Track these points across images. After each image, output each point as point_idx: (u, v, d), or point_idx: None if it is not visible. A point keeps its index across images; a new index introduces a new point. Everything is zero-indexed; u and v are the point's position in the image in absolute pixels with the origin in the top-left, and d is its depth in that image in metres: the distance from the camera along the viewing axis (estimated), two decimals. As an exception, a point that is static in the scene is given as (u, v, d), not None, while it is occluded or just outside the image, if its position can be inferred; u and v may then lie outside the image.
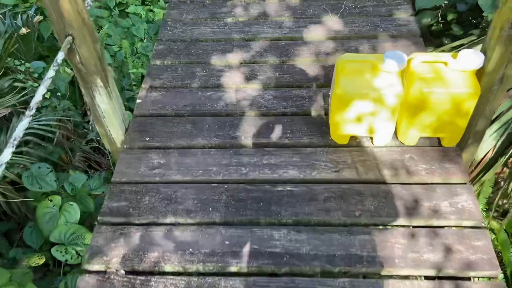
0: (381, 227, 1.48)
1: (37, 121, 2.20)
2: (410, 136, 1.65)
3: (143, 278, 1.40)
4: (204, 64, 2.14)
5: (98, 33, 3.12)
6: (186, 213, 1.54)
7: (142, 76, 3.11)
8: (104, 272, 1.42)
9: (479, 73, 1.46)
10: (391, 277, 1.37)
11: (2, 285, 1.59)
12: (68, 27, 1.40)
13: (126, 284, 1.38)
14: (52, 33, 2.61)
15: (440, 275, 1.37)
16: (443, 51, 2.67)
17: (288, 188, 1.59)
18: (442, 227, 1.47)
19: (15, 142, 1.21)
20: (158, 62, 2.17)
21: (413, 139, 1.66)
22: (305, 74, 2.04)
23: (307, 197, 1.56)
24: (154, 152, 1.75)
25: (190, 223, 1.52)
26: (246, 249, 1.43)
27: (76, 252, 1.87)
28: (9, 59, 2.41)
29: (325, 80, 2.00)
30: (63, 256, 1.80)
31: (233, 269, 1.41)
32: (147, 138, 1.80)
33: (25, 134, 2.04)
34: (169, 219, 1.53)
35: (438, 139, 1.68)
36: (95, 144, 2.52)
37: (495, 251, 1.51)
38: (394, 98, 1.49)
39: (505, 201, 2.01)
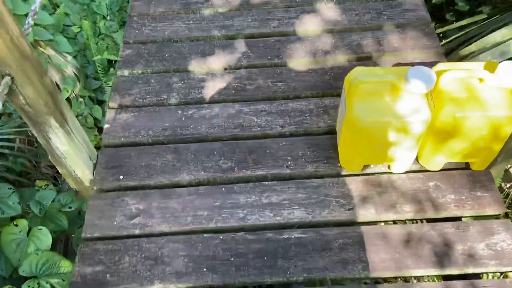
0: (412, 281, 1.26)
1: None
2: (435, 162, 1.39)
3: None
4: (181, 72, 1.80)
5: (54, 13, 2.70)
6: (176, 277, 1.27)
7: (109, 62, 2.74)
8: None
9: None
10: None
11: None
12: (3, 66, 1.05)
13: None
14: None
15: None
16: (447, 31, 2.39)
17: (296, 235, 1.33)
18: (480, 275, 1.26)
19: None
20: (126, 72, 1.81)
21: (438, 164, 1.41)
22: (302, 81, 1.73)
23: (319, 246, 1.31)
24: (130, 195, 1.45)
25: (182, 289, 1.27)
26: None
27: (51, 285, 1.61)
28: None
29: (326, 88, 1.70)
30: (36, 291, 1.54)
31: None
32: (121, 177, 1.49)
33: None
34: (156, 287, 1.27)
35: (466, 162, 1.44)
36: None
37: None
38: (421, 126, 1.22)
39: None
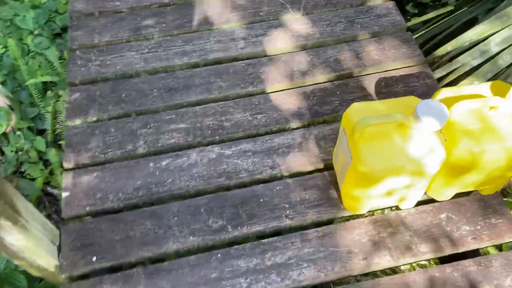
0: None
1: None
2: (445, 194, 1.29)
3: None
4: (145, 114, 1.56)
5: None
6: None
7: (44, 84, 2.40)
8: None
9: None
10: None
11: None
12: None
13: None
14: None
15: None
16: (412, 30, 2.31)
17: (311, 300, 1.19)
18: (511, 315, 1.18)
19: None
20: (77, 121, 1.54)
21: (449, 196, 1.31)
22: (283, 110, 1.56)
23: (339, 309, 1.17)
24: (109, 280, 1.22)
25: None
26: None
27: None
28: None
29: (311, 115, 1.54)
30: None
31: None
32: (94, 258, 1.25)
33: None
34: None
35: (475, 186, 1.35)
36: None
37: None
38: (437, 166, 1.09)
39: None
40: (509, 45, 1.74)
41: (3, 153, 2.08)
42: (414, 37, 2.16)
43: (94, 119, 1.54)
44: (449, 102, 1.12)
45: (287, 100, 1.58)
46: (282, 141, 1.48)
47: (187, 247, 1.28)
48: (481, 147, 1.09)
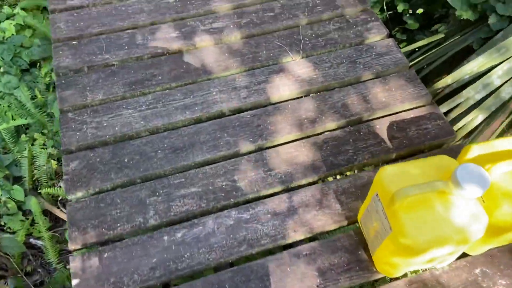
0: None
1: None
2: (481, 249, 1.26)
3: None
4: (152, 180, 1.45)
5: None
6: None
7: (16, 127, 2.25)
8: None
9: None
10: None
11: None
12: None
13: None
14: None
15: None
16: (409, 55, 2.30)
17: None
18: None
19: None
20: (79, 194, 1.41)
21: (483, 250, 1.27)
22: (297, 163, 1.49)
23: None
24: None
25: None
26: None
27: None
28: None
29: (327, 167, 1.48)
30: None
31: None
32: None
33: None
34: None
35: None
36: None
37: None
38: (481, 232, 1.05)
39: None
40: (511, 78, 1.75)
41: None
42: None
43: (97, 190, 1.42)
44: (483, 160, 1.09)
45: (300, 152, 1.52)
46: (301, 199, 1.41)
47: (216, 331, 1.18)
48: (522, 208, 1.06)
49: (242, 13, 1.91)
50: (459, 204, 1.03)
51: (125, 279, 1.25)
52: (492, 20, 1.83)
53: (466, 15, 1.94)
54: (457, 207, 1.03)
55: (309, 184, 1.46)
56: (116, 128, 1.55)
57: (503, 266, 1.27)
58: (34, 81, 2.52)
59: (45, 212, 1.99)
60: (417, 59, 2.17)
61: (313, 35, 1.84)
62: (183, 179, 1.45)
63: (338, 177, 1.48)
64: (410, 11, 2.43)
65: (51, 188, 1.95)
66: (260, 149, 1.53)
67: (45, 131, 2.24)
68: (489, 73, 1.76)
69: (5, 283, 1.76)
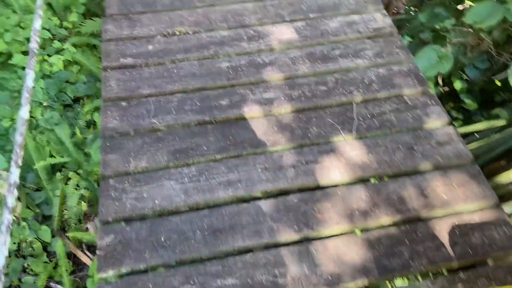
0: None
1: None
2: None
3: None
4: (187, 265, 1.35)
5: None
6: None
7: (52, 166, 2.23)
8: None
9: None
10: None
11: None
12: None
13: None
14: None
15: None
16: (466, 136, 2.16)
17: None
18: None
19: None
20: (110, 273, 1.32)
21: None
22: (345, 262, 1.36)
23: None
24: None
25: None
26: None
27: None
28: None
29: (378, 271, 1.34)
30: None
31: None
32: None
33: None
34: None
35: None
36: None
37: None
38: None
39: None
40: None
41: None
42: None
43: (129, 270, 1.34)
44: None
45: (349, 249, 1.39)
46: (349, 306, 1.27)
47: None
48: None
49: (294, 84, 1.85)
50: None
51: None
52: None
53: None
54: None
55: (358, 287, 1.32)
56: (156, 201, 1.48)
57: None
58: (76, 117, 2.53)
59: (69, 254, 1.93)
60: (474, 142, 2.04)
61: (368, 115, 1.75)
62: (220, 267, 1.34)
63: (390, 284, 1.34)
64: (468, 89, 2.31)
65: (79, 232, 1.90)
66: (306, 240, 1.42)
67: (80, 171, 2.22)
68: None
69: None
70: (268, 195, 1.53)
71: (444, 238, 1.41)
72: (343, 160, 1.61)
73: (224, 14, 2.11)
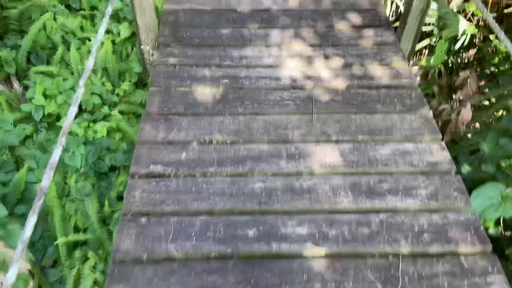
0: None
1: None
2: None
3: None
4: None
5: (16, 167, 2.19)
6: None
7: (74, 245, 2.09)
8: None
9: None
10: None
11: None
12: None
13: None
14: None
15: None
16: None
17: None
18: None
19: None
20: None
21: None
22: None
23: None
24: None
25: None
26: None
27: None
28: None
29: None
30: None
31: None
32: None
33: None
34: None
35: None
36: None
37: None
38: None
39: None
40: None
41: None
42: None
43: None
44: None
45: None
46: None
47: None
48: None
49: (332, 221, 1.64)
50: None
51: None
52: None
53: None
54: None
55: None
56: None
57: None
58: (108, 187, 2.47)
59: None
60: None
61: (416, 275, 1.49)
62: None
63: None
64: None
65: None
66: None
67: (100, 251, 2.11)
68: None
69: None
70: None
71: None
72: (381, 334, 1.34)
73: (267, 126, 1.99)
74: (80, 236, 2.08)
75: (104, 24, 1.74)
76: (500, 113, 2.74)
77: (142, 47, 2.42)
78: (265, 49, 2.41)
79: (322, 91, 2.17)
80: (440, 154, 1.89)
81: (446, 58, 3.30)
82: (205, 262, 1.51)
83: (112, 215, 2.28)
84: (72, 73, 2.95)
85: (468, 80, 2.63)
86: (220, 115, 2.04)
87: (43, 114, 2.58)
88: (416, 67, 3.40)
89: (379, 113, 2.07)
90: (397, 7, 3.50)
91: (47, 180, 1.23)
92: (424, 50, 3.63)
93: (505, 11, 3.25)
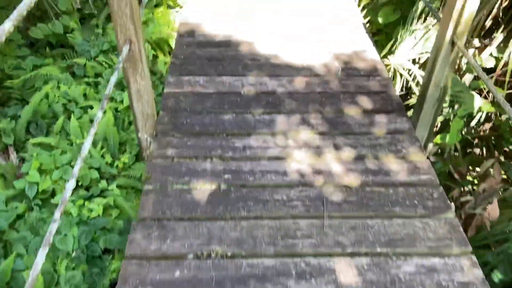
0: None
1: None
2: None
3: None
4: None
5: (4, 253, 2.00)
6: None
7: None
8: None
9: None
10: None
11: None
12: None
13: None
14: None
15: None
16: None
17: None
18: None
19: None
20: None
21: None
22: None
23: None
24: None
25: None
26: None
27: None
28: None
29: None
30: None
31: None
32: None
33: None
34: None
35: None
36: None
37: None
38: None
39: None
40: None
41: None
42: None
43: None
44: None
45: None
46: None
47: None
48: None
49: None
50: None
51: None
52: None
53: None
54: None
55: None
56: None
57: None
58: (101, 273, 2.22)
59: None
60: None
61: None
62: None
63: None
64: None
65: None
66: None
67: None
68: None
69: None
70: None
71: None
72: None
73: (273, 233, 1.77)
74: None
75: (103, 105, 1.61)
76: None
77: (139, 135, 2.26)
78: (270, 138, 2.24)
79: (333, 189, 1.97)
80: (471, 272, 1.64)
81: (461, 136, 3.13)
82: None
83: (104, 309, 2.04)
84: (71, 144, 2.82)
85: (491, 170, 2.43)
86: (221, 219, 1.82)
87: (37, 191, 2.42)
88: (430, 145, 3.22)
89: (399, 217, 1.85)
90: (407, 81, 3.39)
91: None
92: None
93: (521, 88, 3.12)
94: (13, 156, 2.85)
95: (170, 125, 2.30)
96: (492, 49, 3.18)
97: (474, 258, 1.70)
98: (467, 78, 3.30)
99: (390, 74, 3.43)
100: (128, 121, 2.94)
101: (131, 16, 1.83)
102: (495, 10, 3.10)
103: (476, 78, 3.22)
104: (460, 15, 1.90)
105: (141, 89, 2.09)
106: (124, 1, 1.78)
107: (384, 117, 2.40)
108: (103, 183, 2.53)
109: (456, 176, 2.63)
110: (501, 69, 3.10)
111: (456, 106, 3.13)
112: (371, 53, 2.93)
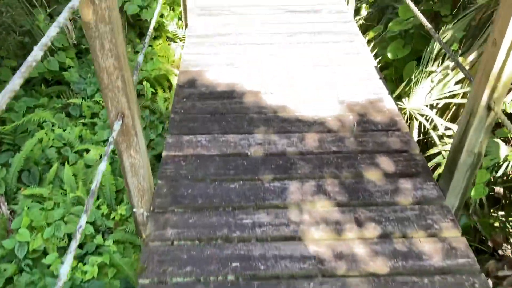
0: None
1: None
2: None
3: None
4: None
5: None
6: None
7: None
8: None
9: None
10: None
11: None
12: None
13: None
14: None
15: None
16: None
17: None
18: None
19: None
20: None
21: None
22: None
23: None
24: None
25: None
26: None
27: None
28: None
29: None
30: None
31: None
32: None
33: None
34: None
35: None
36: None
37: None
38: None
39: None
40: None
41: None
42: None
43: None
44: None
45: None
46: None
47: None
48: None
49: None
50: None
51: None
52: None
53: None
54: None
55: None
56: None
57: None
58: None
59: None
60: None
61: None
62: None
63: None
64: None
65: None
66: None
67: None
68: None
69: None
70: None
71: None
72: None
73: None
74: None
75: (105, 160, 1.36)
76: None
77: (134, 210, 2.00)
78: (282, 211, 1.98)
79: (359, 279, 1.70)
80: None
81: (487, 190, 2.86)
82: None
83: None
84: (65, 194, 2.59)
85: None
86: (214, 247, 1.55)
87: (28, 250, 2.22)
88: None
89: (438, 317, 1.58)
90: (425, 127, 3.14)
91: None
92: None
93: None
94: (4, 207, 2.63)
95: (169, 197, 2.05)
96: (516, 93, 2.95)
97: None
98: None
99: (405, 117, 3.20)
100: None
101: (123, 88, 1.60)
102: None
103: (501, 125, 2.98)
104: (498, 79, 1.66)
105: (136, 163, 1.84)
106: (115, 74, 1.55)
107: (409, 182, 2.14)
108: (98, 239, 2.33)
109: (490, 244, 2.36)
110: (529, 116, 2.85)
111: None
112: (387, 102, 2.70)
